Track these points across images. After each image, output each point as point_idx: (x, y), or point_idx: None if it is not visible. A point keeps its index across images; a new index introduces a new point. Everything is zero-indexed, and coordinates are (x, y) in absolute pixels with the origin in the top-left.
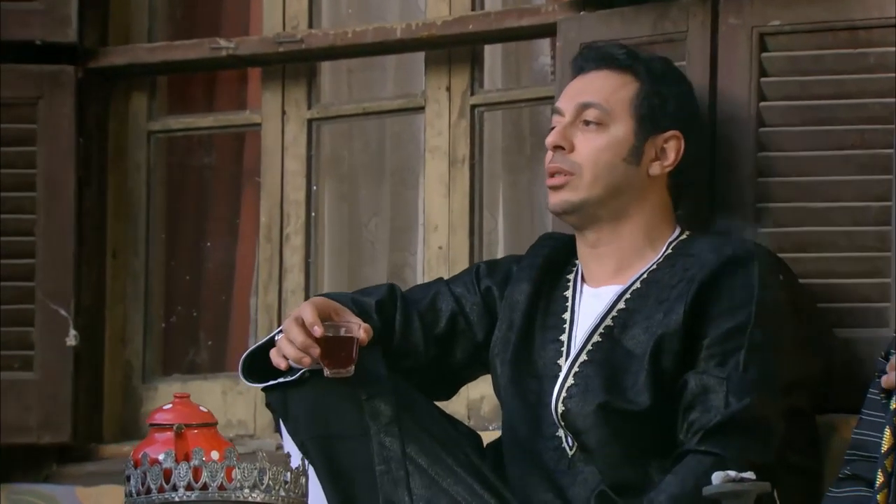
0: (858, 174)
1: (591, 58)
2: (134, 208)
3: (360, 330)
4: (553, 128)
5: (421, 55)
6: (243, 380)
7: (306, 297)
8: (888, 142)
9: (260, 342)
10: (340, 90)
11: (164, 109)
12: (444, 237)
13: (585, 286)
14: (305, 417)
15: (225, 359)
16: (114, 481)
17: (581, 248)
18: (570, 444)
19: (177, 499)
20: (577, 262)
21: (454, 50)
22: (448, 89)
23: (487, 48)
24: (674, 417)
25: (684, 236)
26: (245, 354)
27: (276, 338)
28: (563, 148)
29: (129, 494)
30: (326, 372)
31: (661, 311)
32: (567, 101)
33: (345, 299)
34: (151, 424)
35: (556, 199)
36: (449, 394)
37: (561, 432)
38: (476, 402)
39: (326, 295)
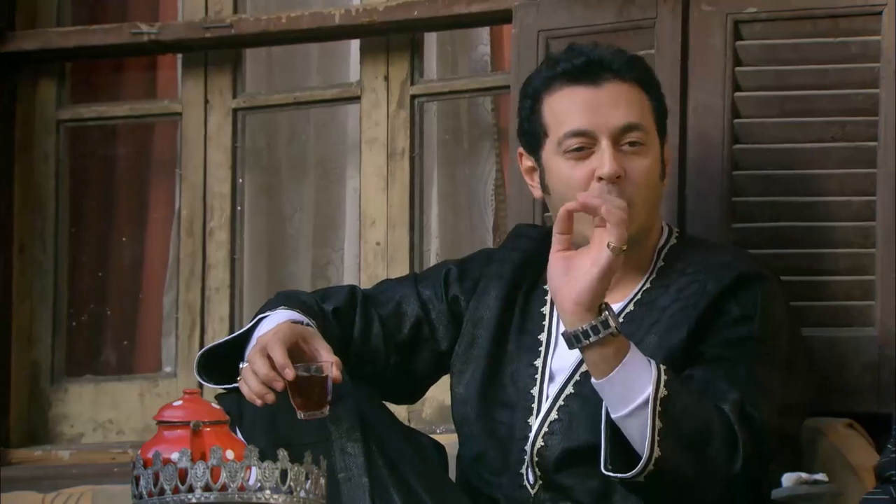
0: (840, 168)
1: (595, 69)
2: (42, 201)
3: (332, 367)
4: (577, 149)
5: (352, 43)
6: (198, 378)
7: (231, 295)
8: (872, 134)
9: (218, 341)
10: (265, 79)
11: (74, 97)
12: (382, 232)
13: None
14: (263, 423)
15: (140, 359)
16: (24, 487)
17: None
18: (533, 482)
19: (193, 500)
20: None
21: (392, 37)
22: (386, 78)
23: (427, 36)
24: None
25: (673, 240)
26: (201, 352)
27: (241, 367)
28: (621, 178)
29: (137, 496)
30: (300, 414)
31: (654, 334)
32: (599, 121)
33: (310, 302)
34: (160, 422)
35: None
36: (413, 398)
37: (525, 469)
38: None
39: (290, 295)
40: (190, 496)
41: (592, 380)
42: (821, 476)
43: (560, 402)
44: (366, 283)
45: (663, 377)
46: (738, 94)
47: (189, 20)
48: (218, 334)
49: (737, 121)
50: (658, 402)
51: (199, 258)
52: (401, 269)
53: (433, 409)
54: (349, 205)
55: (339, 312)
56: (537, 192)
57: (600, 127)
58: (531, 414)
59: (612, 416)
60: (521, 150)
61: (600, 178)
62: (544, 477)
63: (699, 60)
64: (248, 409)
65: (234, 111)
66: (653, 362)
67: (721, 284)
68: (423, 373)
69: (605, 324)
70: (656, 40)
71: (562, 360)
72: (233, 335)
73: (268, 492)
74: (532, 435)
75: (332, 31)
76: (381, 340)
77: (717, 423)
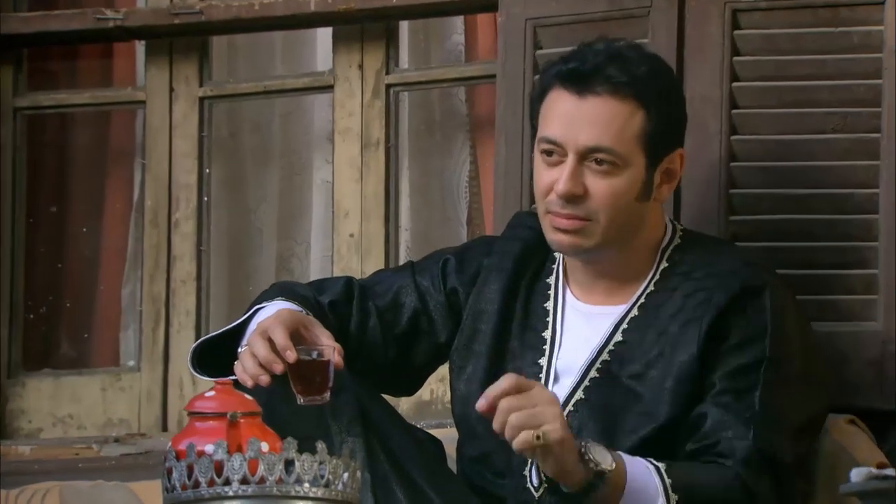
0: (841, 159)
1: (587, 79)
2: None
3: (334, 353)
4: (548, 153)
5: (319, 31)
6: (192, 371)
7: (198, 287)
8: (874, 125)
9: (213, 333)
10: (228, 67)
11: (31, 85)
12: (356, 224)
13: (570, 297)
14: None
15: (98, 353)
16: None
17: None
18: (538, 485)
19: (230, 493)
20: (556, 255)
21: (367, 26)
22: (360, 67)
23: (401, 25)
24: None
25: (677, 240)
26: (196, 343)
27: (239, 350)
28: (576, 196)
29: (169, 489)
30: (300, 399)
31: (662, 345)
32: (569, 135)
33: (308, 295)
34: (192, 413)
35: (567, 241)
36: (410, 391)
37: (529, 472)
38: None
39: (286, 286)
40: (227, 489)
41: None
42: (891, 471)
43: (570, 407)
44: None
45: (667, 480)
46: (735, 84)
47: (155, 6)
48: (184, 327)
49: (734, 111)
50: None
51: (163, 249)
52: (375, 262)
53: (409, 404)
54: (316, 196)
55: (335, 305)
56: None
57: (569, 142)
58: None
59: None
60: None
61: (557, 193)
62: (551, 482)
63: (696, 50)
64: None
65: (201, 100)
66: (650, 467)
67: (728, 296)
68: (420, 365)
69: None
70: (650, 30)
71: (567, 360)
72: (228, 326)
73: (306, 485)
74: None
75: (306, 19)
76: (378, 333)
77: (733, 489)
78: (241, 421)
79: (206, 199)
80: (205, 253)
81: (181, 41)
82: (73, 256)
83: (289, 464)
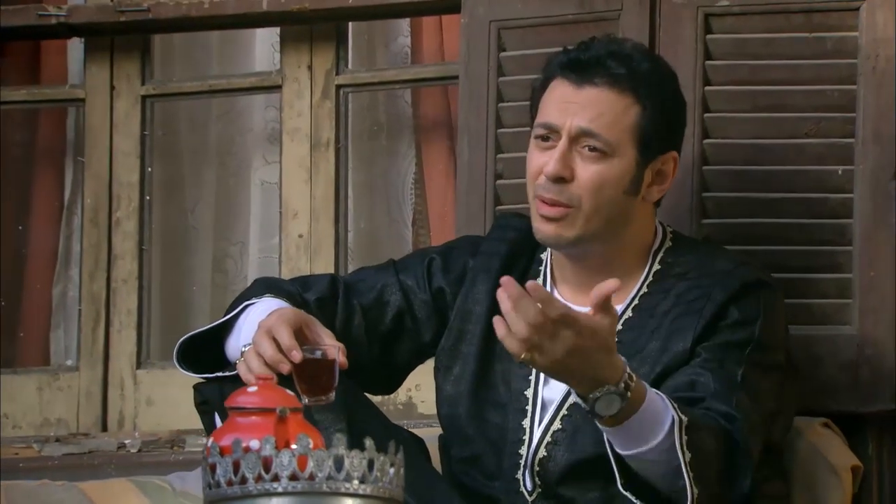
0: (815, 164)
1: (587, 69)
2: None
3: (339, 352)
4: (543, 138)
5: (258, 31)
6: (178, 367)
7: (140, 287)
8: (848, 131)
9: (200, 329)
10: (168, 66)
11: None
12: (305, 225)
13: (557, 297)
14: None
15: (31, 352)
16: None
17: (558, 255)
18: (531, 489)
19: (280, 489)
20: (542, 256)
21: (316, 26)
22: (310, 68)
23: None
24: None
25: (668, 242)
26: (182, 340)
27: (242, 349)
28: (564, 179)
29: (213, 485)
30: (305, 400)
31: (655, 340)
32: (564, 118)
33: (293, 292)
34: (233, 408)
35: (550, 231)
36: (390, 389)
37: (522, 475)
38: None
39: (272, 283)
40: (275, 485)
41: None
42: None
43: (564, 411)
44: (288, 277)
45: (680, 418)
46: (708, 87)
47: (99, 3)
48: (125, 326)
49: (707, 115)
50: (683, 432)
51: (104, 249)
52: (324, 262)
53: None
54: (254, 196)
55: (321, 303)
56: None
57: (563, 124)
58: (524, 416)
59: (623, 452)
60: None
61: (545, 174)
62: (544, 486)
63: (668, 54)
64: None
65: (143, 98)
66: (663, 397)
67: (727, 293)
68: (402, 363)
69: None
70: (621, 33)
71: None
72: (216, 323)
73: (356, 482)
74: (527, 439)
75: (257, 18)
76: (362, 331)
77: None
78: (289, 417)
79: (147, 197)
80: (147, 252)
81: (122, 39)
82: (3, 255)
83: (338, 460)
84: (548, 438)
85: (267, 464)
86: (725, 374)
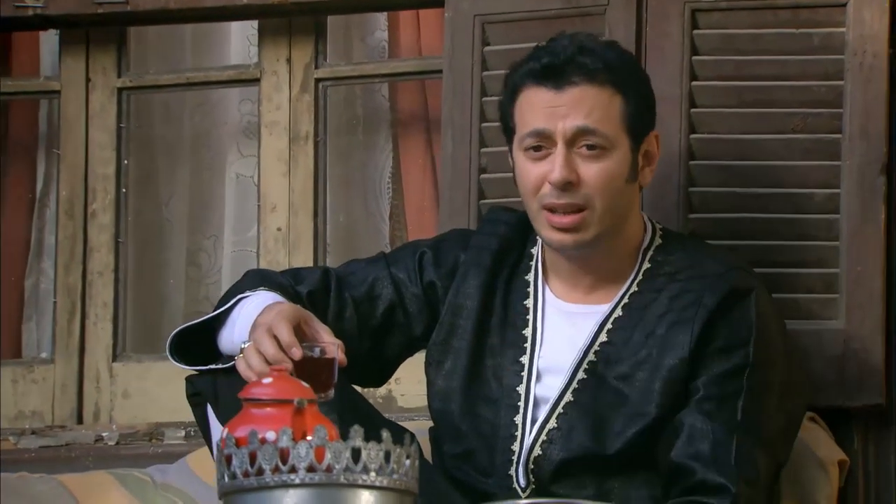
0: (802, 160)
1: (563, 71)
2: None
3: (338, 350)
4: (534, 149)
5: (233, 24)
6: (171, 359)
7: (115, 279)
8: (835, 126)
9: (194, 321)
10: (141, 58)
11: None
12: (283, 218)
13: (549, 295)
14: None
15: (8, 343)
16: None
17: (548, 250)
18: (524, 486)
19: (297, 481)
20: (533, 251)
21: (294, 20)
22: (289, 61)
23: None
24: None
25: (658, 240)
26: (174, 332)
27: (241, 345)
28: (571, 183)
29: (228, 476)
30: None
31: (650, 348)
32: (555, 123)
33: (285, 284)
34: (248, 399)
35: (568, 240)
36: (379, 382)
37: (515, 472)
38: None
39: (265, 276)
40: (293, 477)
41: None
42: None
43: (559, 409)
44: None
45: None
46: (695, 83)
47: None
48: (101, 319)
49: (693, 110)
50: None
51: (79, 241)
52: (303, 256)
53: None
54: (229, 190)
55: (313, 295)
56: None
57: (556, 129)
58: (516, 412)
59: None
60: None
61: (551, 183)
62: (538, 483)
63: (655, 49)
64: (224, 392)
65: (119, 90)
66: None
67: (717, 299)
68: (392, 356)
69: None
70: (607, 28)
71: (550, 359)
72: (209, 315)
73: (373, 474)
74: (520, 435)
75: (237, 11)
76: (354, 324)
77: None
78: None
79: (123, 190)
80: (123, 245)
81: (98, 31)
82: None
83: (355, 452)
84: (543, 436)
85: (284, 455)
86: (726, 415)
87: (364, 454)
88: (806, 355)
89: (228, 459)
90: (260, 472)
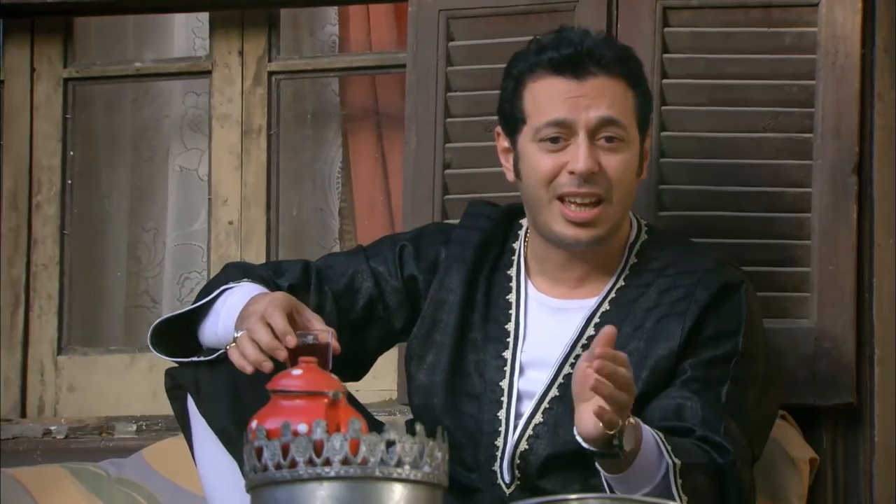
0: (773, 158)
1: (584, 61)
2: None
3: (331, 336)
4: (552, 140)
5: (176, 16)
6: (154, 351)
7: (61, 271)
8: (806, 126)
9: (175, 312)
10: (84, 49)
11: None
12: (235, 212)
13: (532, 289)
14: (226, 401)
15: None
16: None
17: (537, 244)
18: (509, 481)
19: (332, 474)
20: (515, 246)
21: (247, 13)
22: (241, 54)
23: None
24: None
25: (644, 236)
26: (155, 323)
27: (234, 335)
28: (594, 173)
29: (259, 469)
30: None
31: (638, 340)
32: (577, 113)
33: (266, 277)
34: (276, 391)
35: (585, 235)
36: (358, 375)
37: (499, 468)
38: None
39: (245, 268)
40: (327, 470)
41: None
42: None
43: (545, 404)
44: (216, 264)
45: (675, 462)
46: (665, 81)
47: None
48: (45, 312)
49: (664, 108)
50: (678, 476)
51: (23, 233)
52: (255, 250)
53: None
54: (172, 183)
55: (294, 289)
56: (510, 175)
57: (579, 119)
58: (500, 407)
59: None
60: (498, 129)
61: (572, 172)
62: (524, 478)
63: None
64: (206, 385)
65: (66, 81)
66: (654, 434)
67: (710, 293)
68: (371, 350)
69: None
70: (577, 25)
71: (534, 354)
72: (191, 306)
73: (407, 467)
74: (503, 430)
75: (188, 2)
76: (334, 318)
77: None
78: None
79: (69, 181)
80: (68, 237)
81: (43, 21)
82: None
83: (389, 445)
84: (529, 431)
85: (318, 448)
86: (711, 397)
87: (398, 447)
88: (778, 354)
89: (259, 451)
90: (293, 464)
